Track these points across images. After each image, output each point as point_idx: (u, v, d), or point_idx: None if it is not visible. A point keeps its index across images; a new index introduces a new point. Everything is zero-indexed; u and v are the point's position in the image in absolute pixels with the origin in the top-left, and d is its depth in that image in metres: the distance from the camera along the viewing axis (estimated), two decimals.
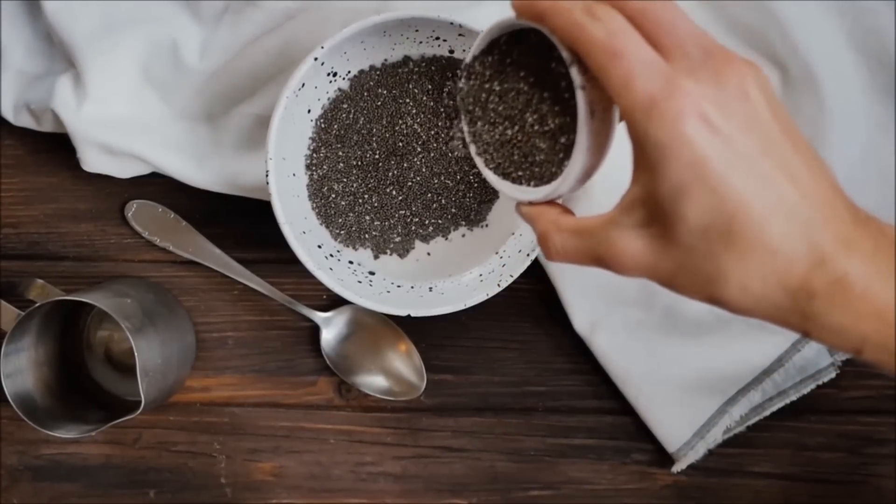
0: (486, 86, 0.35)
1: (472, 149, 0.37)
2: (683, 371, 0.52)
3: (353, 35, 0.46)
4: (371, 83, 0.50)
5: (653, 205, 0.30)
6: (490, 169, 0.36)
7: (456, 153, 0.51)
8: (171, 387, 0.52)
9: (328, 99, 0.50)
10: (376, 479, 0.56)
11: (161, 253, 0.56)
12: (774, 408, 0.52)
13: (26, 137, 0.55)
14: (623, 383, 0.53)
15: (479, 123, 0.36)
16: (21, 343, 0.50)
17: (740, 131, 0.29)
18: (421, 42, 0.49)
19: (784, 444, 0.54)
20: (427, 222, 0.52)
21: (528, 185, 0.35)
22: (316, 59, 0.46)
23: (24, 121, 0.54)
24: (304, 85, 0.47)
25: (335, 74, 0.49)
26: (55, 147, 0.55)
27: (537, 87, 0.34)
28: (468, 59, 0.35)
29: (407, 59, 0.50)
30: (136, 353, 0.47)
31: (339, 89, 0.50)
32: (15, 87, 0.54)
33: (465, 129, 0.37)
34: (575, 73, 0.31)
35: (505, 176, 0.36)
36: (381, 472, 0.55)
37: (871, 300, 0.29)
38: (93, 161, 0.53)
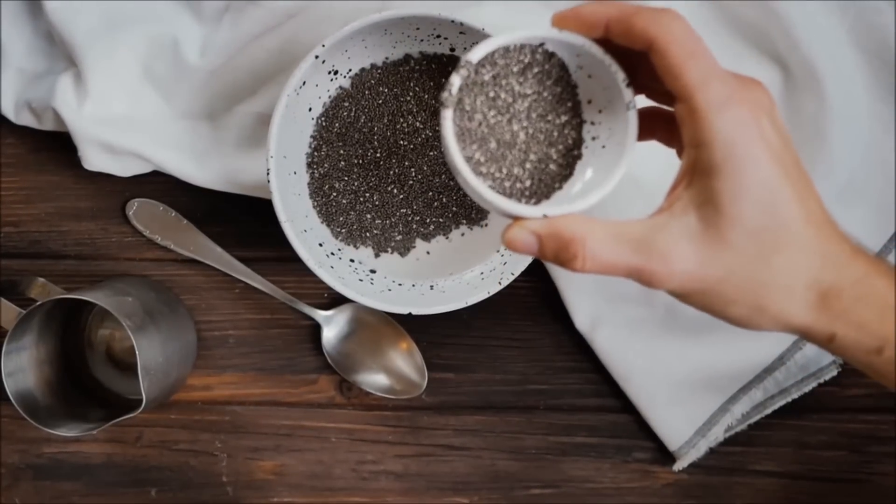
0: (492, 91, 0.34)
1: (465, 166, 0.34)
2: (685, 369, 0.52)
3: (354, 33, 0.46)
4: (372, 81, 0.50)
5: (708, 207, 0.31)
6: (489, 185, 0.34)
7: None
8: (173, 385, 0.52)
9: (329, 97, 0.50)
10: (378, 477, 0.56)
11: (162, 251, 0.56)
12: (776, 406, 0.52)
13: (27, 136, 0.55)
14: (624, 381, 0.53)
15: (483, 137, 0.34)
16: (22, 342, 0.50)
17: (784, 146, 0.32)
18: (422, 40, 0.49)
19: (786, 442, 0.54)
20: (428, 221, 0.52)
21: (529, 201, 0.35)
22: (317, 57, 0.46)
23: (25, 119, 0.54)
24: (305, 83, 0.47)
25: (336, 72, 0.49)
26: (56, 146, 0.55)
27: (544, 103, 0.34)
28: (478, 55, 0.33)
29: (408, 57, 0.50)
30: (137, 352, 0.47)
31: (341, 87, 0.50)
32: (16, 85, 0.54)
33: (455, 143, 0.34)
34: (628, 91, 0.33)
35: (501, 192, 0.35)
36: (382, 471, 0.55)
37: (890, 298, 0.32)
38: (94, 159, 0.53)
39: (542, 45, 0.34)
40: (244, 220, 0.55)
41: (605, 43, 0.33)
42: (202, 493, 0.56)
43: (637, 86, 0.34)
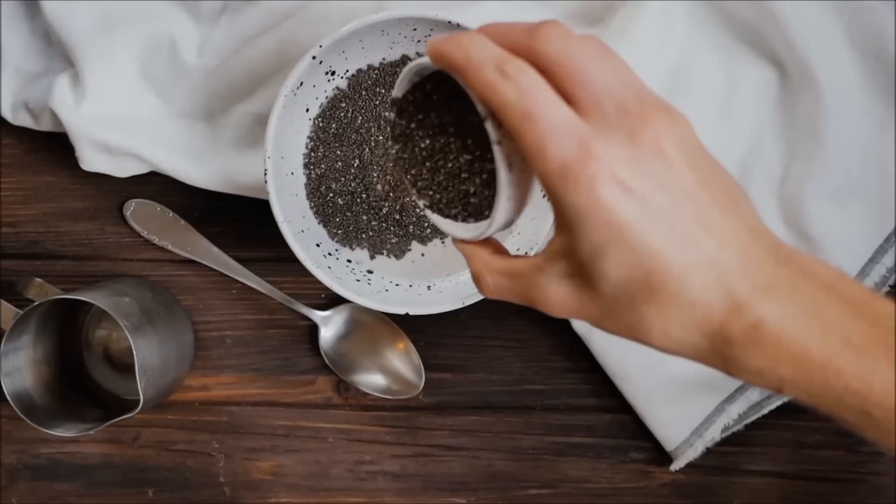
0: (415, 124, 0.34)
1: (407, 183, 0.36)
2: (681, 369, 0.52)
3: (351, 34, 0.46)
4: (369, 82, 0.50)
5: (574, 260, 0.31)
6: (425, 204, 0.36)
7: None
8: (170, 385, 0.52)
9: (326, 98, 0.50)
10: (375, 477, 0.56)
11: (159, 252, 0.56)
12: (772, 406, 0.52)
13: (25, 136, 0.55)
14: (621, 381, 0.53)
15: (411, 161, 0.35)
16: (20, 342, 0.50)
17: (655, 190, 0.29)
18: (419, 41, 0.49)
19: (782, 442, 0.54)
20: (425, 224, 0.52)
21: (464, 221, 0.35)
22: (314, 57, 0.46)
23: (23, 120, 0.54)
24: (302, 84, 0.47)
25: (333, 73, 0.49)
26: (54, 146, 0.55)
27: (464, 129, 0.34)
28: (396, 93, 0.34)
29: (405, 57, 0.50)
30: (134, 352, 0.47)
31: (338, 88, 0.50)
32: (13, 85, 0.54)
33: (397, 165, 0.36)
34: (490, 127, 0.31)
35: (440, 211, 0.35)
36: (379, 471, 0.56)
37: (786, 344, 0.29)
38: (91, 160, 0.53)
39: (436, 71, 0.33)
40: (241, 221, 0.55)
41: None
42: (199, 494, 0.56)
43: None
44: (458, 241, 0.35)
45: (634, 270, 0.29)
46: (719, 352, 0.30)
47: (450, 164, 0.35)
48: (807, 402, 0.30)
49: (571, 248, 0.31)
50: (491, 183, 0.33)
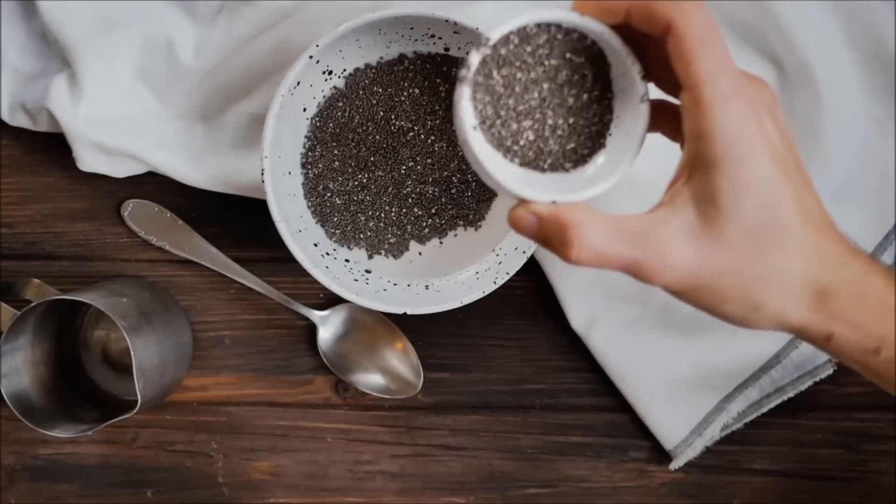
0: (512, 69, 0.34)
1: (483, 147, 0.34)
2: (681, 368, 0.52)
3: (348, 33, 0.46)
4: (366, 81, 0.50)
5: (707, 202, 0.31)
6: (512, 161, 0.35)
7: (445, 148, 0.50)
8: (168, 386, 0.52)
9: (323, 97, 0.50)
10: (374, 477, 0.56)
11: (157, 252, 0.56)
12: (772, 404, 0.52)
13: (22, 137, 0.55)
14: (620, 380, 0.53)
15: (498, 112, 0.34)
16: (17, 342, 0.50)
17: (785, 145, 0.32)
18: (416, 40, 0.49)
19: (782, 440, 0.54)
20: (424, 223, 0.52)
21: (539, 174, 0.35)
22: (311, 57, 0.46)
23: (20, 120, 0.54)
24: (299, 83, 0.47)
25: (330, 72, 0.49)
26: (51, 147, 0.55)
27: (561, 84, 0.34)
28: (497, 34, 0.33)
29: (402, 56, 0.50)
30: (132, 353, 0.47)
31: (335, 87, 0.50)
32: (11, 86, 0.54)
33: (474, 114, 0.34)
34: (642, 84, 0.32)
35: (538, 168, 0.35)
36: (378, 471, 0.55)
37: (888, 298, 0.31)
38: (89, 160, 0.53)
39: (561, 27, 0.34)
40: (239, 221, 0.55)
41: (621, 28, 0.33)
42: (198, 494, 0.56)
43: (648, 75, 0.34)
44: (538, 207, 0.33)
45: (768, 214, 0.31)
46: (826, 307, 0.32)
47: (545, 119, 0.35)
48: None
49: (707, 189, 0.31)
50: (583, 145, 0.34)
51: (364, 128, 0.51)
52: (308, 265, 0.48)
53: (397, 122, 0.51)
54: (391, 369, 0.55)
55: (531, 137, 0.35)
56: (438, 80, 0.50)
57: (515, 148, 0.35)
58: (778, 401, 0.52)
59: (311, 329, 0.55)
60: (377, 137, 0.51)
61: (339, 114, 0.50)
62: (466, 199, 0.52)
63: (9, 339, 0.49)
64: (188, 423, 0.56)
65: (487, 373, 0.55)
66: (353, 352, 0.55)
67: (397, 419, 0.55)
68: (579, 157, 0.35)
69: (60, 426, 0.49)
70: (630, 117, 0.34)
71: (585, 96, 0.35)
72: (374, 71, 0.50)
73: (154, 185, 0.55)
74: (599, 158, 0.35)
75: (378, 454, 0.55)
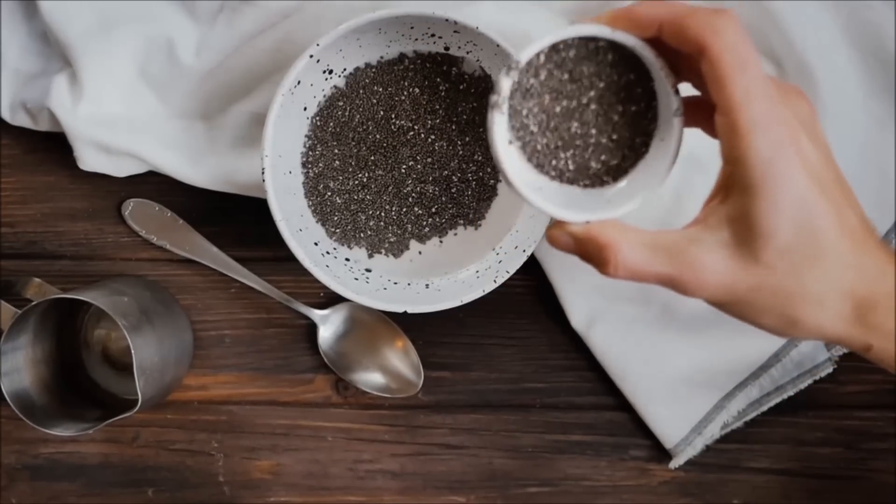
0: (546, 88, 0.34)
1: (516, 165, 0.35)
2: (680, 367, 0.52)
3: (348, 32, 0.46)
4: (367, 80, 0.50)
5: (742, 223, 0.31)
6: (553, 175, 0.35)
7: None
8: (169, 385, 0.52)
9: (324, 96, 0.50)
10: (374, 476, 0.56)
11: (158, 251, 0.56)
12: (772, 403, 0.52)
13: (23, 137, 0.55)
14: (620, 379, 0.53)
15: (534, 131, 0.35)
16: (18, 341, 0.50)
17: (823, 160, 0.32)
18: (416, 39, 0.49)
19: (782, 439, 0.54)
20: (424, 222, 0.52)
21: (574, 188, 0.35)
22: (311, 56, 0.46)
23: (21, 120, 0.54)
24: (299, 82, 0.47)
25: (331, 72, 0.49)
26: (52, 146, 0.55)
27: (601, 99, 0.34)
28: (528, 54, 0.33)
29: (402, 56, 0.50)
30: (133, 352, 0.47)
31: (335, 87, 0.50)
32: (11, 86, 0.54)
33: (509, 134, 0.34)
34: (676, 98, 0.32)
35: (570, 181, 0.35)
36: (378, 470, 0.56)
37: None
38: (89, 160, 0.53)
39: (595, 42, 0.34)
40: (240, 220, 0.55)
41: (654, 40, 0.33)
42: (199, 493, 0.56)
43: (683, 77, 0.34)
44: (572, 227, 0.34)
45: (804, 233, 0.31)
46: (864, 319, 0.32)
47: (581, 131, 0.35)
48: None
49: (742, 211, 0.31)
50: (618, 160, 0.34)
51: (364, 127, 0.51)
52: (308, 264, 0.48)
53: (397, 122, 0.51)
54: (391, 368, 0.55)
55: (570, 155, 0.35)
56: (438, 80, 0.50)
57: (552, 167, 0.35)
58: (778, 399, 0.52)
59: (312, 328, 0.55)
60: (377, 136, 0.51)
61: (340, 113, 0.50)
62: (466, 198, 0.52)
63: (10, 337, 0.49)
64: (189, 422, 0.56)
65: (488, 371, 0.55)
66: (354, 351, 0.55)
67: (398, 418, 0.55)
68: (618, 171, 0.35)
69: (61, 425, 0.49)
70: (666, 129, 0.34)
71: (631, 109, 0.35)
72: (374, 70, 0.50)
73: (155, 185, 0.55)
74: (633, 171, 0.35)
75: (379, 453, 0.55)
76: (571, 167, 0.35)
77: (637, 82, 0.34)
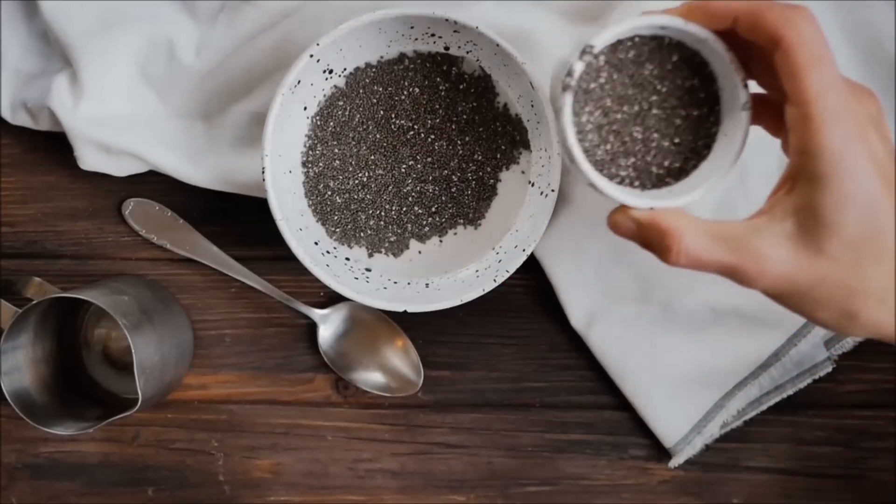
0: (608, 92, 0.34)
1: (580, 154, 0.34)
2: (680, 366, 0.52)
3: (348, 32, 0.46)
4: (367, 80, 0.50)
5: (808, 215, 0.31)
6: (620, 179, 0.35)
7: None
8: (169, 384, 0.53)
9: (324, 96, 0.50)
10: (374, 475, 0.56)
11: (158, 251, 0.56)
12: (771, 402, 0.53)
13: (23, 136, 0.55)
14: (620, 379, 0.53)
15: (594, 136, 0.35)
16: (18, 340, 0.50)
17: (888, 157, 0.32)
18: (416, 39, 0.49)
19: (781, 438, 0.54)
20: (424, 222, 0.52)
21: (637, 187, 0.35)
22: (312, 56, 0.46)
23: (21, 119, 0.54)
24: (299, 82, 0.47)
25: (331, 71, 0.49)
26: (52, 146, 0.55)
27: (664, 103, 0.34)
28: (603, 41, 0.33)
29: (402, 56, 0.50)
30: (133, 351, 0.47)
31: (335, 86, 0.50)
32: (12, 85, 0.54)
33: (572, 129, 0.34)
34: (745, 92, 0.33)
35: (614, 180, 0.35)
36: (378, 469, 0.56)
37: None
38: (90, 159, 0.53)
39: (664, 35, 0.34)
40: (240, 220, 0.55)
41: (725, 33, 0.33)
42: (199, 492, 0.56)
43: (749, 74, 0.34)
44: (635, 212, 0.34)
45: (869, 227, 0.31)
46: None
47: (643, 136, 0.35)
48: None
49: (809, 203, 0.31)
50: (683, 157, 0.34)
51: (364, 126, 0.51)
52: (308, 263, 0.48)
53: (397, 121, 0.51)
54: (391, 367, 0.55)
55: (631, 163, 0.35)
56: (438, 79, 0.50)
57: (613, 175, 0.35)
58: (777, 398, 0.52)
59: (312, 327, 0.55)
60: (377, 136, 0.51)
61: (340, 112, 0.50)
62: (466, 197, 0.52)
63: (10, 337, 0.49)
64: (189, 421, 0.56)
65: (487, 371, 0.55)
66: (354, 350, 0.55)
67: (398, 417, 0.55)
68: (680, 173, 0.35)
69: (61, 424, 0.49)
70: (731, 123, 0.34)
71: (694, 113, 0.35)
72: (374, 70, 0.50)
73: (155, 184, 0.55)
74: (696, 171, 0.36)
75: (378, 452, 0.56)
76: (633, 174, 0.35)
77: (699, 87, 0.34)
